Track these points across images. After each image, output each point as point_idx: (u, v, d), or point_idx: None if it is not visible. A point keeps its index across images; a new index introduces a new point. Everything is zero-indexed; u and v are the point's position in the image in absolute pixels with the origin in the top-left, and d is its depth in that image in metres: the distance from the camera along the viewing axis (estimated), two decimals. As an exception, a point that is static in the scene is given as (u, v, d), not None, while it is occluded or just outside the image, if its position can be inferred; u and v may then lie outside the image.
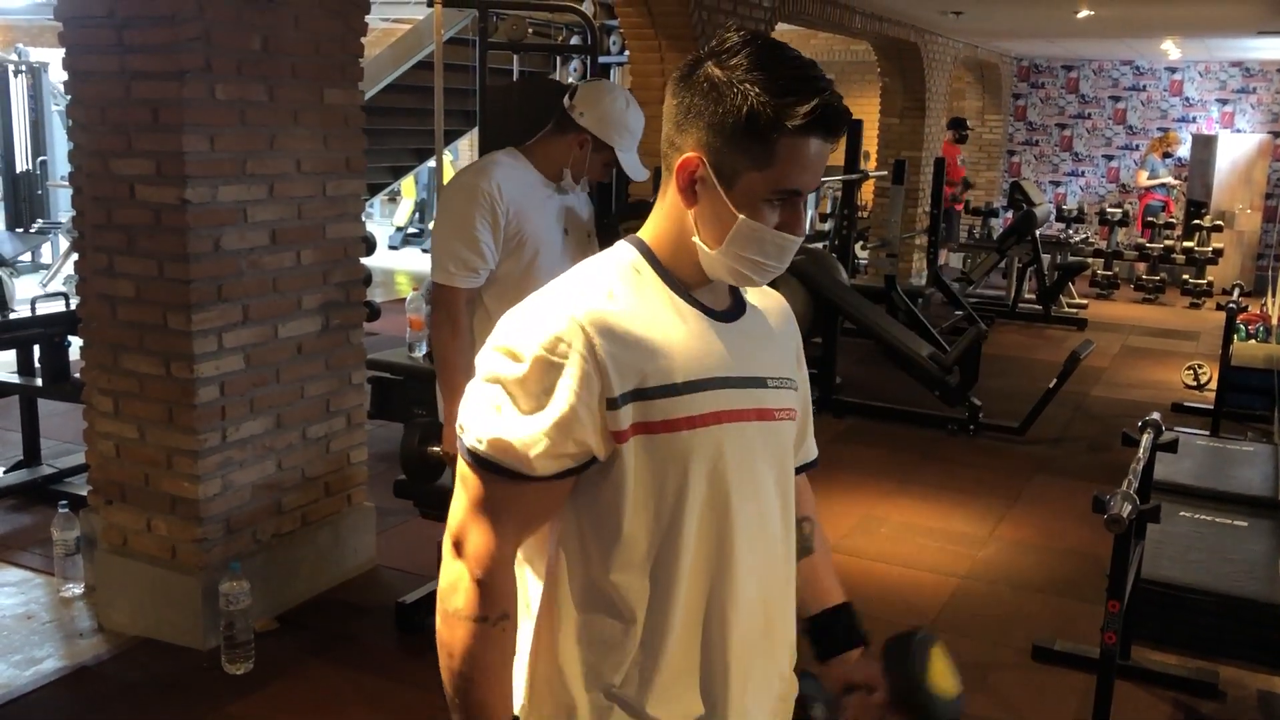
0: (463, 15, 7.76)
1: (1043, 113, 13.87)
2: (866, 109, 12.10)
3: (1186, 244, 10.62)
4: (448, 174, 9.15)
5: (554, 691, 1.32)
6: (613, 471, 1.26)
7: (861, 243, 10.20)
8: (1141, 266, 11.14)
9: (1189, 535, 3.95)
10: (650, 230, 1.36)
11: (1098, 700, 2.89)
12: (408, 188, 13.36)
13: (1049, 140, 13.87)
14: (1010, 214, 11.02)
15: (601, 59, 7.09)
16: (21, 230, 9.97)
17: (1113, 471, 5.36)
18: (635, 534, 1.28)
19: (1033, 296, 10.02)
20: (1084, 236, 10.84)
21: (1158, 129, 13.06)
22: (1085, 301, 10.59)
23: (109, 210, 3.40)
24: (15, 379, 4.76)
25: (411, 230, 13.53)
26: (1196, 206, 11.61)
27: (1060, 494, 5.23)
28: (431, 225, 2.99)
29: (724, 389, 1.30)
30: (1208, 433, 5.82)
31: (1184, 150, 12.75)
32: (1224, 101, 12.92)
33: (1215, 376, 6.64)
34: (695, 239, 1.30)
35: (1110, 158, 13.57)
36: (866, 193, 11.39)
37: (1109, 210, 11.12)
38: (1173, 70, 13.10)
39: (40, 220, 10.15)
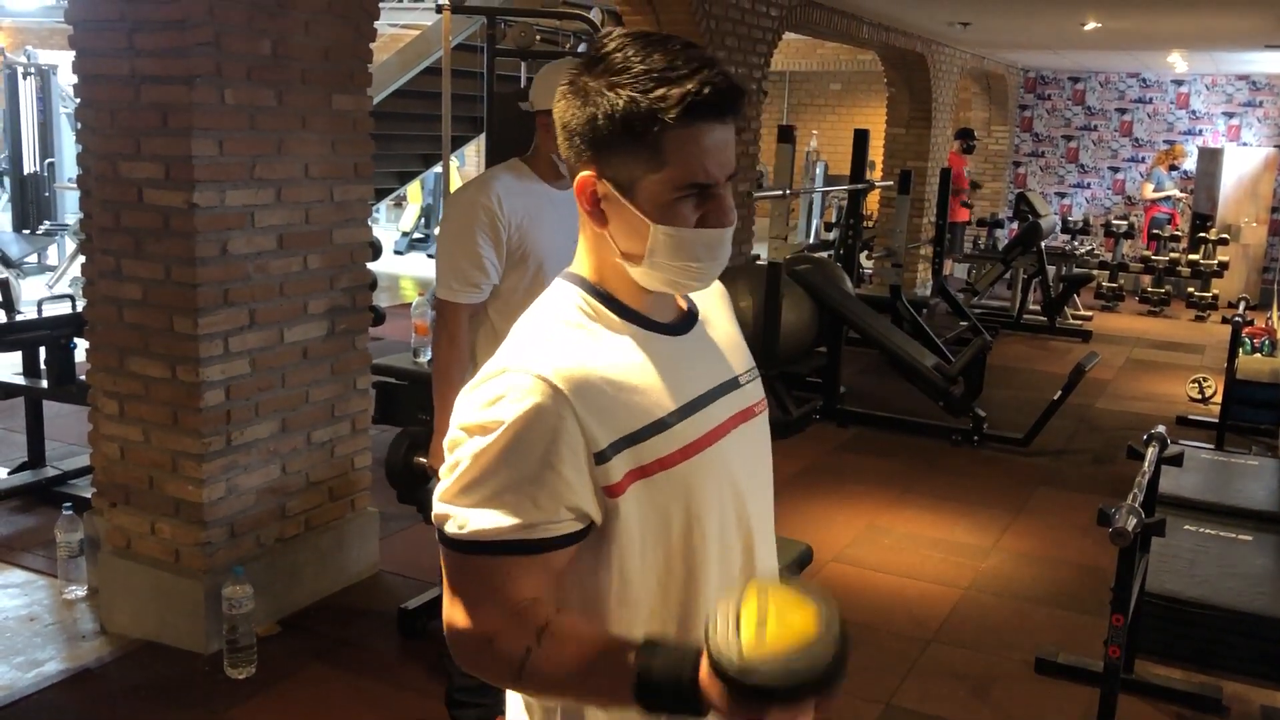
0: (471, 22, 7.78)
1: (1049, 124, 13.88)
2: (873, 119, 12.13)
3: (1192, 257, 10.62)
4: (454, 180, 9.16)
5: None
6: (613, 529, 1.19)
7: (867, 252, 10.19)
8: (1147, 279, 11.14)
9: (1193, 549, 3.94)
10: (581, 263, 1.28)
11: (1101, 714, 2.88)
12: (414, 193, 13.39)
13: (1055, 152, 13.87)
14: (1016, 225, 11.02)
15: (609, 67, 7.10)
16: (28, 232, 9.99)
17: (1117, 484, 5.36)
18: (647, 583, 1.22)
19: (1038, 308, 10.02)
20: (1089, 248, 10.84)
21: (1164, 141, 13.06)
22: (1090, 313, 10.58)
23: (117, 213, 3.41)
24: (21, 381, 4.76)
25: (417, 235, 13.56)
26: (1202, 219, 11.61)
27: (1064, 506, 5.22)
28: (436, 231, 2.97)
29: (707, 405, 1.26)
30: (1212, 446, 5.82)
31: (1190, 163, 12.75)
32: (1230, 115, 12.92)
33: (1220, 390, 6.63)
34: (618, 259, 1.23)
35: (1116, 170, 13.57)
36: (872, 203, 11.40)
37: (1114, 222, 11.13)
38: (1179, 83, 13.11)
39: (47, 222, 10.18)
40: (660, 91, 1.14)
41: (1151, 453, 3.31)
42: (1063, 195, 13.82)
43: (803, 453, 5.92)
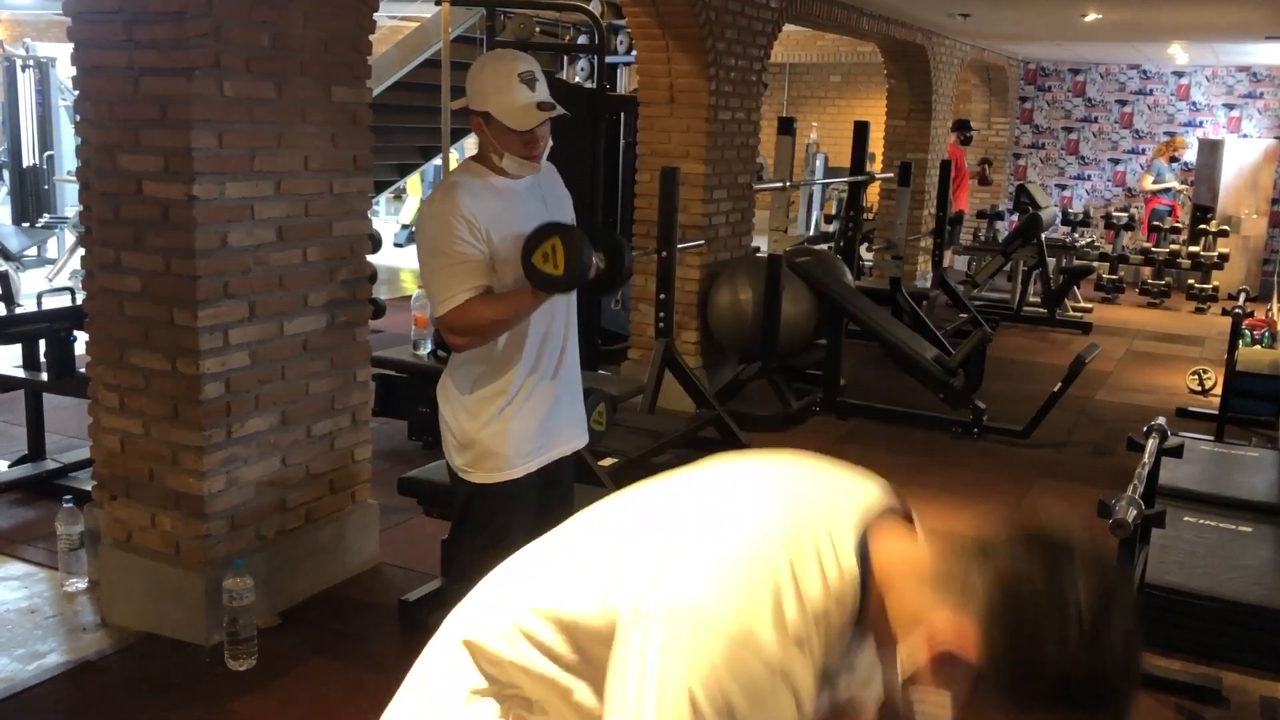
0: (470, 14, 7.76)
1: (1049, 116, 13.86)
2: (873, 111, 12.11)
3: (1192, 249, 10.61)
4: (453, 172, 9.13)
5: None
6: None
7: (866, 245, 10.19)
8: (1147, 271, 11.13)
9: (1193, 541, 3.94)
10: None
11: (1101, 705, 2.88)
12: (414, 185, 13.37)
13: (1055, 144, 13.85)
14: (1016, 217, 11.01)
15: (608, 58, 7.09)
16: (28, 225, 9.98)
17: (1116, 476, 5.35)
18: None
19: (1038, 300, 10.02)
20: (1089, 240, 10.83)
21: (1164, 133, 13.04)
22: (1090, 305, 10.58)
23: (116, 206, 3.41)
24: (21, 374, 4.76)
25: (415, 230, 13.53)
26: (1202, 211, 11.60)
27: (1064, 498, 5.23)
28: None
29: None
30: (1212, 438, 5.81)
31: (1190, 155, 12.74)
32: (1231, 106, 12.90)
33: (1220, 382, 6.63)
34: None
35: (1116, 161, 13.55)
36: (872, 195, 11.39)
37: (1115, 214, 11.12)
38: (1180, 75, 13.09)
39: (47, 215, 10.16)
40: None
41: (1152, 444, 3.31)
42: (1063, 187, 13.81)
43: (803, 445, 5.87)
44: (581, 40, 7.85)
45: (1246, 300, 6.85)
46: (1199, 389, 7.28)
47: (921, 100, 10.68)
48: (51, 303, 4.77)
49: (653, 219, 5.87)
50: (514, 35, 6.62)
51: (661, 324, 5.64)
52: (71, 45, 3.42)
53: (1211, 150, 12.23)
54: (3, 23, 15.82)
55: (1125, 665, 1.12)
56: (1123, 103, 13.44)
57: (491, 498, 2.77)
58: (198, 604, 3.43)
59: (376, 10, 3.85)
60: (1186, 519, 4.10)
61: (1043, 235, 9.68)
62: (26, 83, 10.44)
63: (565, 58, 7.96)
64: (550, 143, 2.76)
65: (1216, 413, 6.18)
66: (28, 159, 10.39)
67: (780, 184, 6.63)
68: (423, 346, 5.44)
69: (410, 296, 6.18)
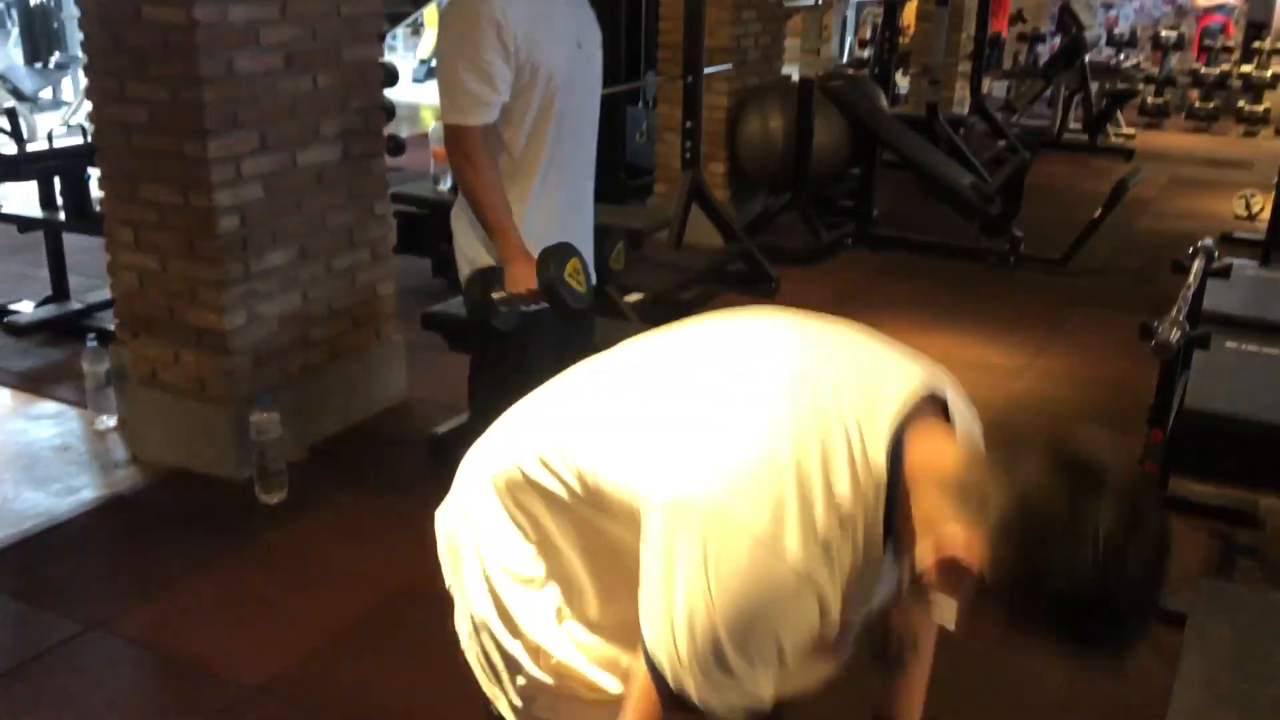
0: None
1: (1098, -71, 13.10)
2: (910, -73, 11.46)
3: (1244, 69, 10.15)
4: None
5: None
6: None
7: (902, 70, 9.82)
8: (1195, 94, 10.68)
9: (1234, 366, 3.85)
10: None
11: (1135, 529, 2.85)
12: (430, 17, 12.94)
13: (1103, -40, 13.13)
14: (1058, 40, 10.53)
15: None
16: (40, 65, 9.77)
17: (1157, 304, 5.20)
18: None
19: (1079, 126, 9.66)
20: (1135, 62, 10.37)
21: (1220, -56, 12.32)
22: (1133, 131, 10.20)
23: (115, 33, 3.26)
24: (39, 214, 4.70)
25: (435, 64, 13.20)
26: (1257, 29, 11.03)
27: (1102, 326, 5.12)
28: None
29: None
30: (1258, 263, 5.64)
31: (1247, -32, 12.05)
32: (1293, -86, 12.12)
33: (1268, 206, 6.40)
34: None
35: (1168, -23, 12.85)
36: (909, 16, 10.90)
37: (1163, 34, 10.61)
38: (1240, -120, 12.27)
39: (58, 54, 9.94)
40: None
41: (1197, 265, 3.18)
42: (1109, 7, 13.14)
43: (834, 278, 5.81)
44: None
45: (1300, 120, 6.55)
46: (1246, 214, 7.05)
47: (962, -87, 10.08)
48: (64, 143, 4.66)
49: (678, 42, 5.62)
50: None
51: (688, 155, 5.47)
52: None
53: (1270, -37, 11.56)
54: None
55: (1139, 601, 1.03)
56: (1177, -87, 12.65)
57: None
58: (226, 439, 3.44)
59: None
60: (1228, 344, 4.01)
61: (1086, 58, 9.26)
62: (29, -85, 10.07)
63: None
64: None
65: (1263, 238, 5.98)
66: (35, -3, 10.12)
67: (813, 2, 6.31)
68: (443, 181, 5.31)
69: (428, 131, 6.01)
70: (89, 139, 4.47)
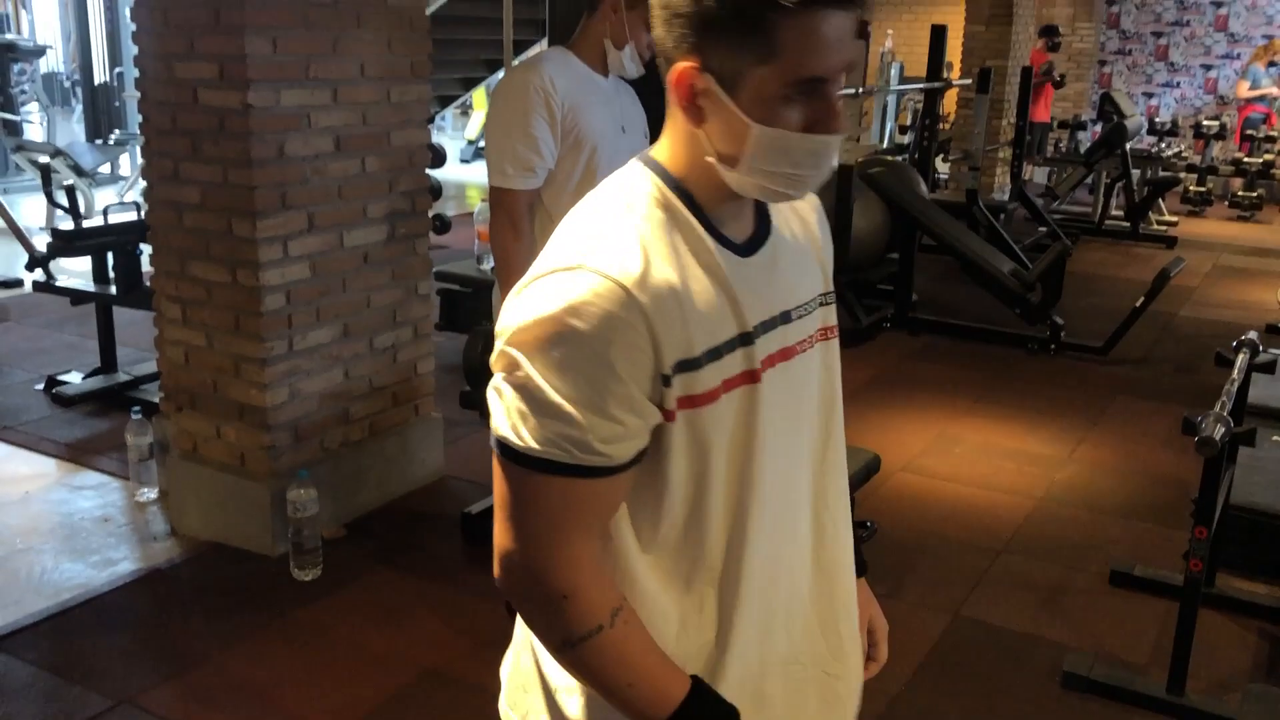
0: (533, -82, 7.55)
1: (1138, 20, 13.22)
2: (951, 15, 11.62)
3: (1288, 158, 10.11)
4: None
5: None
6: (659, 456, 1.09)
7: (943, 155, 9.88)
8: (1237, 182, 10.64)
9: (1281, 461, 3.78)
10: (665, 150, 1.14)
11: (1180, 627, 2.79)
12: (479, 99, 13.24)
13: (1143, 49, 13.23)
14: (1099, 127, 10.56)
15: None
16: (101, 142, 10.08)
17: (1199, 394, 5.16)
18: (674, 512, 1.13)
19: (1120, 213, 9.64)
20: (1177, 150, 10.37)
21: (1262, 36, 12.37)
22: (1175, 219, 10.17)
23: (173, 115, 3.37)
24: (91, 287, 4.82)
25: (483, 144, 13.45)
26: (1300, 119, 11.02)
27: (1144, 416, 5.05)
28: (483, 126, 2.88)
29: (754, 340, 1.12)
30: (1304, 355, 5.56)
31: (1289, 59, 12.08)
32: (1335, 7, 12.18)
33: (1314, 297, 6.33)
34: (710, 159, 1.09)
35: (1209, 68, 12.92)
36: (949, 103, 11.01)
37: (1205, 123, 10.62)
38: (1281, -27, 12.37)
39: (118, 131, 10.26)
40: None
41: (1242, 359, 3.14)
42: (1150, 95, 13.22)
43: (872, 361, 5.79)
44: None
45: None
46: (1290, 305, 6.97)
47: (1002, 4, 10.24)
48: (118, 218, 4.79)
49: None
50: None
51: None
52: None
53: (1312, 54, 11.57)
54: (72, -60, 15.86)
55: None
56: (1218, 4, 12.75)
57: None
58: (264, 514, 3.46)
59: (432, -90, 3.72)
60: (1275, 439, 3.95)
61: (1127, 145, 9.27)
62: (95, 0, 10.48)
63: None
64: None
65: (1309, 329, 5.91)
66: (99, 76, 10.47)
67: (853, 90, 6.40)
68: (486, 260, 5.39)
69: (474, 211, 6.12)
70: (142, 215, 4.59)
